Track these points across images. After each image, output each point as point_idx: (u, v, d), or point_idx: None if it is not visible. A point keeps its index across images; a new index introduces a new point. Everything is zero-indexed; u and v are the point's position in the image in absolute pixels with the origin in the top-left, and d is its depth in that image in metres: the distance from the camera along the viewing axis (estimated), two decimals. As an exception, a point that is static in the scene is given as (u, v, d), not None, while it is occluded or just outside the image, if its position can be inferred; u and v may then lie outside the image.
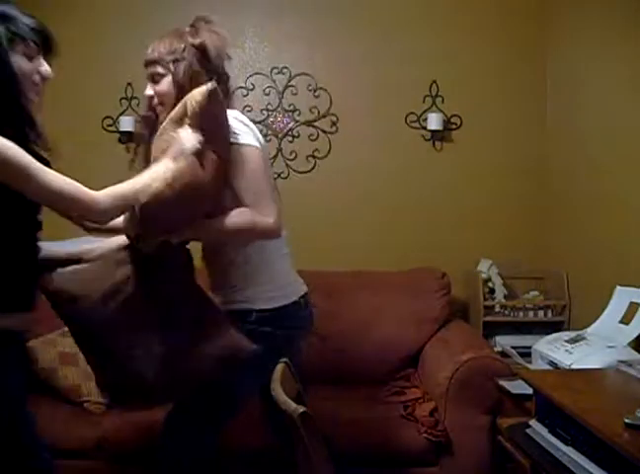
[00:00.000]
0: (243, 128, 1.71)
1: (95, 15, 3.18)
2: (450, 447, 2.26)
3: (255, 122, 3.19)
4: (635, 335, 2.13)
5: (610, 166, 2.60)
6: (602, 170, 2.66)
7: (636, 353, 2.08)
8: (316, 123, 3.22)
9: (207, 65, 1.75)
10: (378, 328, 2.79)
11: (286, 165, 3.21)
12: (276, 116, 3.22)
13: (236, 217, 1.66)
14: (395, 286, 2.90)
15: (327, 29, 3.21)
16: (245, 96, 3.20)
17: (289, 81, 3.21)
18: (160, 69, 1.74)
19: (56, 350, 2.49)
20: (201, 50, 1.74)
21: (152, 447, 2.15)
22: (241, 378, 1.73)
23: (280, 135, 3.22)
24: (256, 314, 1.75)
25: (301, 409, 1.25)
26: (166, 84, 1.75)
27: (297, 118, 3.22)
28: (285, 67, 3.21)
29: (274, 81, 3.21)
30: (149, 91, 1.78)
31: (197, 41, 1.74)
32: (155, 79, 1.76)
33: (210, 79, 1.68)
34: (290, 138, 3.22)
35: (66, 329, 2.61)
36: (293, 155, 3.22)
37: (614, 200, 2.57)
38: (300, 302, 1.86)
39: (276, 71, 3.21)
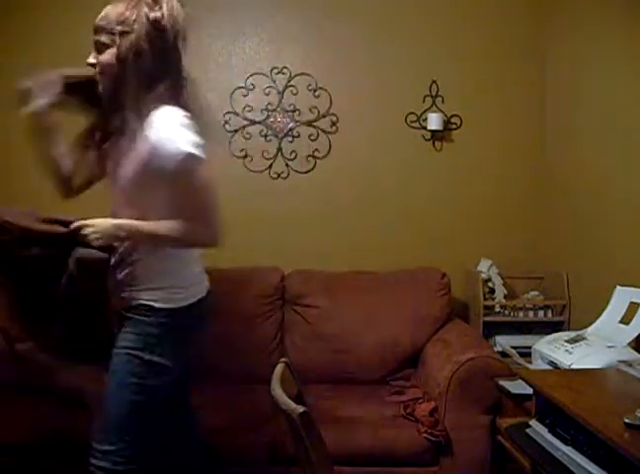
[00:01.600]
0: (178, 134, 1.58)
1: (95, 15, 3.17)
2: (450, 447, 2.26)
3: (255, 122, 3.25)
4: (635, 335, 2.13)
5: (610, 166, 2.60)
6: (603, 170, 2.66)
7: (636, 353, 2.08)
8: (316, 123, 3.22)
9: (158, 44, 1.59)
10: (378, 328, 2.79)
11: (286, 165, 3.21)
12: (276, 116, 3.22)
13: (171, 225, 1.63)
14: (395, 286, 2.91)
15: (327, 29, 3.21)
16: (245, 96, 3.20)
17: (289, 81, 3.21)
18: (105, 38, 1.61)
19: (56, 350, 2.48)
20: (156, 26, 1.58)
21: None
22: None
23: (280, 135, 3.22)
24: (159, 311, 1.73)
25: (301, 409, 1.25)
26: (109, 55, 1.61)
27: (297, 119, 3.22)
28: (285, 67, 3.21)
29: (274, 81, 3.21)
30: (91, 59, 1.66)
31: (152, 15, 1.58)
32: (98, 48, 1.63)
33: (155, 60, 1.57)
34: (290, 138, 3.22)
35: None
36: (293, 155, 3.22)
37: (614, 201, 2.57)
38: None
39: (276, 71, 3.21)
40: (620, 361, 1.91)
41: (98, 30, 1.63)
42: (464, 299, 3.14)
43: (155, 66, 1.60)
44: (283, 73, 3.21)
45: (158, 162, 1.58)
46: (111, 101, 1.65)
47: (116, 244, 1.70)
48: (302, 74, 3.20)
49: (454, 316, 2.94)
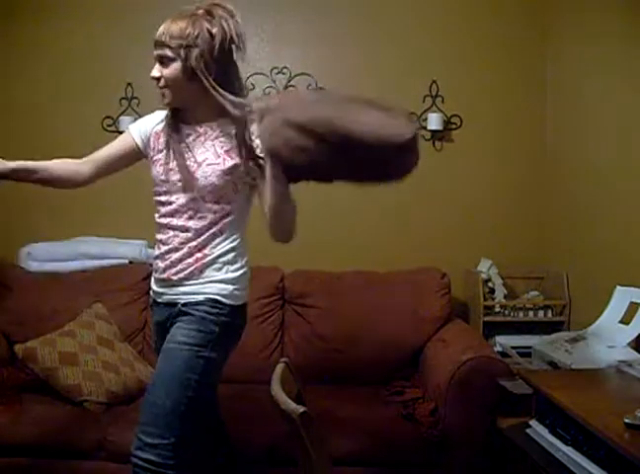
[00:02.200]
0: None
1: (95, 15, 3.18)
2: (450, 447, 2.26)
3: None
4: (635, 335, 2.13)
5: (611, 166, 2.60)
6: (603, 170, 2.66)
7: (636, 353, 2.08)
8: (316, 123, 3.22)
9: (220, 57, 1.69)
10: (378, 328, 2.79)
11: (286, 165, 3.21)
12: (276, 116, 3.21)
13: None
14: (395, 286, 2.90)
15: (327, 29, 3.21)
16: (245, 96, 3.19)
17: (289, 81, 3.21)
18: (169, 53, 1.68)
19: (56, 350, 2.49)
20: (217, 40, 1.67)
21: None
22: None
23: (280, 135, 3.21)
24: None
25: (301, 409, 1.25)
26: (174, 69, 1.69)
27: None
28: (285, 67, 3.21)
29: (274, 81, 3.21)
30: (156, 72, 1.71)
31: (213, 30, 1.67)
32: (163, 61, 1.70)
33: (219, 71, 1.68)
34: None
35: (66, 329, 2.62)
36: (293, 155, 3.21)
37: (614, 201, 2.57)
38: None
39: (276, 71, 3.21)
40: (620, 361, 1.91)
41: (160, 44, 1.70)
42: (464, 299, 3.14)
43: (220, 77, 1.70)
44: (283, 73, 3.21)
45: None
46: (180, 110, 1.79)
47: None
48: (302, 74, 3.20)
49: (454, 316, 2.94)
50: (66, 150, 3.10)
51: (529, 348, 2.45)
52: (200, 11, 1.70)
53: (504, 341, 2.84)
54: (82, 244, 3.06)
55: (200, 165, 1.75)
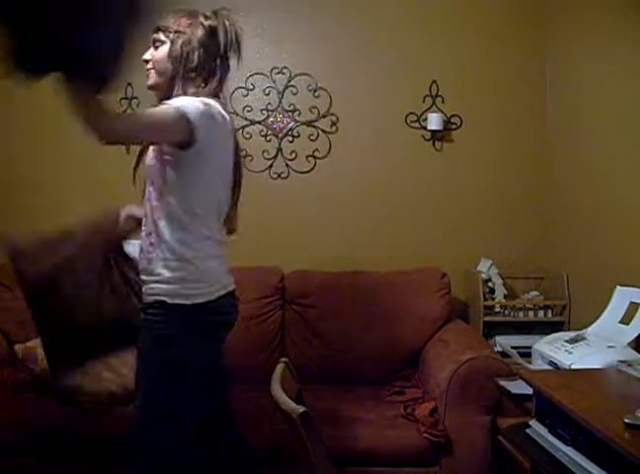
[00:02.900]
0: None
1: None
2: (450, 447, 2.26)
3: (255, 122, 3.25)
4: (635, 335, 2.13)
5: (611, 166, 2.60)
6: (603, 170, 2.66)
7: (636, 353, 2.08)
8: (316, 123, 3.22)
9: (208, 48, 1.74)
10: (378, 328, 2.79)
11: (286, 165, 3.21)
12: (276, 116, 3.22)
13: None
14: (395, 286, 2.90)
15: (327, 29, 3.21)
16: (245, 96, 3.20)
17: (289, 81, 3.21)
18: (162, 36, 1.75)
19: (56, 350, 2.48)
20: (209, 32, 1.74)
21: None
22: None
23: (279, 135, 3.22)
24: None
25: (301, 409, 1.25)
26: (162, 52, 1.75)
27: (297, 119, 3.22)
28: (285, 67, 3.21)
29: (274, 81, 3.21)
30: (147, 55, 1.78)
31: (207, 22, 1.75)
32: (155, 45, 1.77)
33: (202, 61, 1.71)
34: (290, 138, 3.22)
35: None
36: (293, 155, 3.22)
37: (614, 201, 2.57)
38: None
39: (276, 71, 3.21)
40: (620, 361, 1.91)
41: (157, 29, 1.77)
42: (464, 299, 3.14)
43: (201, 67, 1.74)
44: (283, 73, 3.21)
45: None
46: (159, 94, 1.79)
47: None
48: (302, 74, 3.21)
49: (454, 316, 2.94)
50: (67, 149, 3.13)
51: (529, 348, 2.45)
52: (207, 11, 1.78)
53: (504, 341, 2.84)
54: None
55: (150, 148, 1.76)
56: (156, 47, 1.77)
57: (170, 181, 1.69)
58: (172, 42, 1.74)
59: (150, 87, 1.81)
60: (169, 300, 1.67)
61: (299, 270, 3.01)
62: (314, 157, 3.23)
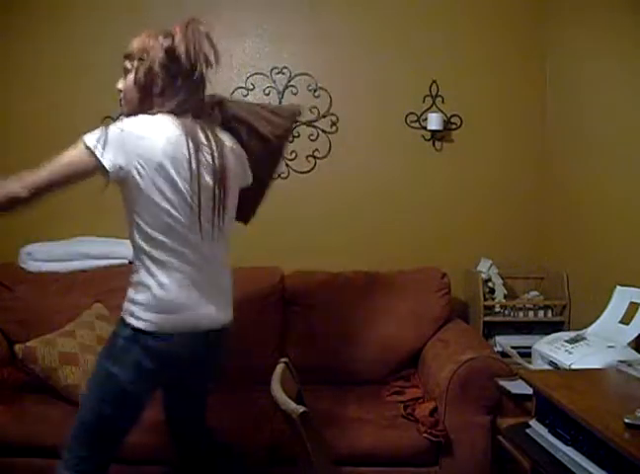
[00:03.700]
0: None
1: (95, 14, 3.18)
2: (450, 447, 2.26)
3: (255, 122, 3.23)
4: (635, 335, 2.13)
5: (611, 166, 2.60)
6: (603, 170, 2.66)
7: (636, 353, 2.08)
8: (316, 123, 3.22)
9: (173, 69, 1.71)
10: (378, 328, 2.79)
11: (286, 165, 3.21)
12: (276, 116, 3.21)
13: None
14: (395, 286, 2.90)
15: (327, 29, 3.21)
16: (245, 96, 3.20)
17: (289, 81, 3.21)
18: (128, 64, 1.75)
19: (56, 350, 2.48)
20: (169, 53, 1.71)
21: (152, 447, 2.16)
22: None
23: (279, 135, 3.21)
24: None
25: (301, 409, 1.25)
26: (129, 80, 1.75)
27: (297, 119, 3.21)
28: (285, 67, 3.21)
29: (274, 81, 3.21)
30: (119, 84, 1.79)
31: (165, 43, 1.71)
32: (125, 73, 1.77)
33: (166, 83, 1.70)
34: (290, 138, 3.22)
35: (66, 329, 2.62)
36: (293, 155, 3.22)
37: (615, 200, 2.57)
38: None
39: (276, 71, 3.21)
40: (620, 361, 1.91)
41: (124, 56, 1.77)
42: (464, 299, 3.14)
43: (167, 89, 1.72)
44: (283, 73, 3.21)
45: None
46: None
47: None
48: (302, 74, 3.20)
49: (454, 316, 2.94)
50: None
51: (529, 348, 2.45)
52: (175, 28, 1.73)
53: (504, 341, 2.84)
54: (82, 244, 3.06)
55: None
56: (125, 76, 1.77)
57: (126, 207, 1.74)
58: (136, 71, 1.72)
59: (123, 115, 1.78)
60: (126, 318, 1.72)
61: (299, 270, 3.01)
62: (314, 157, 3.23)
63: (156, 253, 1.69)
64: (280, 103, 3.21)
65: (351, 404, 2.48)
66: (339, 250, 3.17)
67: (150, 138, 1.64)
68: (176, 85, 1.72)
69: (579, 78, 2.89)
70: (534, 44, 3.19)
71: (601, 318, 2.30)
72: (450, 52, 3.19)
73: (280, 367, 1.51)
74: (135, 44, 1.75)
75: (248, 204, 2.05)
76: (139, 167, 1.62)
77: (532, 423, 1.80)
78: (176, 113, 1.71)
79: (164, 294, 1.69)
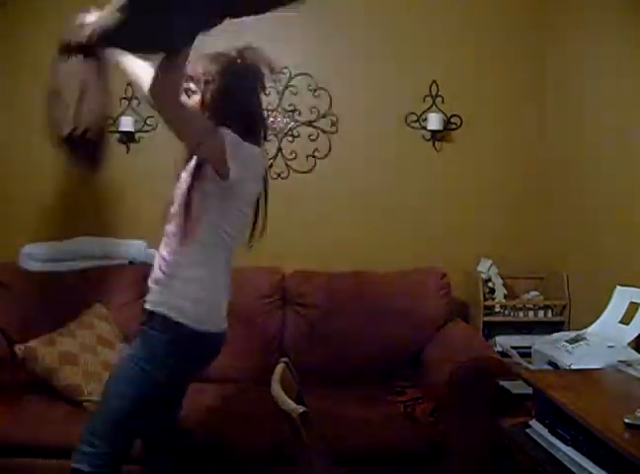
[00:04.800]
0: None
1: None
2: (450, 447, 2.25)
3: (255, 122, 3.23)
4: (635, 335, 2.13)
5: (611, 166, 2.60)
6: (603, 170, 2.66)
7: (636, 353, 2.08)
8: (316, 123, 3.22)
9: (236, 91, 1.82)
10: (378, 328, 2.79)
11: (286, 165, 3.21)
12: (276, 116, 3.22)
13: None
14: (395, 286, 2.90)
15: (327, 29, 3.21)
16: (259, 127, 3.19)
17: (289, 81, 3.21)
18: (192, 86, 1.82)
19: (56, 350, 2.48)
20: (237, 77, 1.83)
21: (151, 447, 2.15)
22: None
23: (279, 135, 3.22)
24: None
25: (301, 409, 1.25)
26: (194, 101, 1.81)
27: (297, 118, 3.22)
28: (285, 67, 3.21)
29: (274, 81, 3.21)
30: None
31: (233, 68, 1.83)
32: (188, 94, 1.82)
33: (233, 106, 1.79)
34: (290, 138, 3.22)
35: (66, 329, 2.62)
36: (293, 155, 3.22)
37: (614, 201, 2.57)
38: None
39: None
40: (620, 361, 1.91)
41: (188, 78, 1.81)
42: (464, 299, 3.14)
43: (233, 110, 1.81)
44: (283, 73, 3.21)
45: None
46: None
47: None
48: (302, 74, 3.20)
49: (454, 316, 2.94)
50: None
51: (529, 348, 2.45)
52: (232, 52, 1.86)
53: (504, 341, 2.84)
54: (82, 244, 3.06)
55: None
56: (189, 96, 1.82)
57: (206, 206, 1.74)
58: (203, 93, 1.80)
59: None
60: (171, 315, 1.72)
61: (299, 270, 3.01)
62: (314, 157, 3.23)
63: (214, 252, 1.78)
64: (279, 103, 3.21)
65: (351, 404, 2.48)
66: (339, 250, 3.17)
67: (257, 156, 1.86)
68: (242, 106, 1.85)
69: (579, 78, 2.89)
70: (534, 45, 3.19)
71: (601, 318, 2.30)
72: (450, 52, 3.19)
73: (279, 367, 1.51)
74: (200, 66, 1.82)
75: None
76: (244, 178, 1.77)
77: (532, 423, 1.80)
78: (250, 132, 1.83)
79: (211, 293, 1.79)
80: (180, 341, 1.73)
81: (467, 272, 3.11)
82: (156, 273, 1.80)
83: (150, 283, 1.82)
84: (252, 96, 1.88)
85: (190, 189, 1.74)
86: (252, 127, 1.84)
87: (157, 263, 1.81)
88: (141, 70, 1.90)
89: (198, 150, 1.70)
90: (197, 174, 1.74)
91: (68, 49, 1.69)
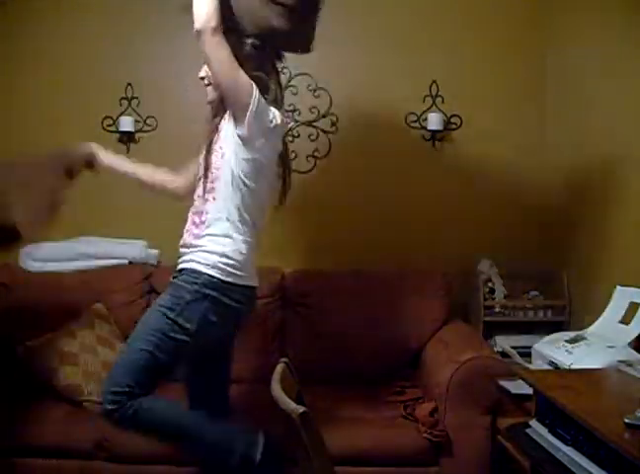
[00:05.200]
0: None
1: (95, 15, 3.18)
2: (450, 447, 2.25)
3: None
4: (635, 335, 2.13)
5: (611, 167, 2.60)
6: (603, 170, 2.66)
7: (636, 353, 2.08)
8: (316, 123, 3.22)
9: (256, 60, 1.95)
10: (378, 328, 2.79)
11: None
12: (276, 116, 3.21)
13: None
14: (395, 286, 2.90)
15: (326, 29, 3.19)
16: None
17: (289, 81, 3.21)
18: None
19: (56, 350, 2.49)
20: (255, 47, 1.96)
21: (151, 447, 2.15)
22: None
23: (279, 135, 3.21)
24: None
25: (301, 409, 1.25)
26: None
27: (297, 118, 3.22)
28: (285, 67, 3.20)
29: (274, 81, 3.20)
30: (202, 72, 2.00)
31: (249, 40, 1.96)
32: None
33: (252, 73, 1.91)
34: (290, 138, 3.22)
35: (66, 329, 2.62)
36: (293, 155, 3.21)
37: (615, 201, 2.57)
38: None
39: (275, 71, 3.21)
40: (620, 361, 1.91)
41: None
42: (464, 299, 3.14)
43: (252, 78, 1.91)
44: (283, 73, 3.20)
45: None
46: (219, 104, 2.00)
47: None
48: (302, 74, 3.20)
49: (454, 316, 2.94)
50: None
51: (529, 348, 2.45)
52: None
53: (504, 341, 2.84)
54: (82, 244, 3.06)
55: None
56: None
57: (224, 163, 1.91)
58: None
59: (210, 102, 2.02)
60: (204, 269, 1.86)
61: (299, 270, 3.01)
62: (314, 157, 3.23)
63: (236, 210, 1.93)
64: (279, 103, 3.21)
65: (351, 404, 2.48)
66: (339, 250, 3.16)
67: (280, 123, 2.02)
68: (261, 75, 1.99)
69: (579, 78, 2.89)
70: (534, 45, 3.19)
71: (601, 318, 2.30)
72: (450, 52, 3.19)
73: (280, 367, 1.51)
74: None
75: None
76: (267, 144, 1.97)
77: (532, 423, 1.80)
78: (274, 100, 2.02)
79: (238, 247, 1.92)
80: (207, 289, 1.85)
81: (467, 272, 3.11)
82: (184, 237, 1.96)
83: (180, 249, 1.97)
84: (274, 67, 2.07)
85: (208, 150, 1.91)
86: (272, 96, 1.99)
87: (186, 228, 1.97)
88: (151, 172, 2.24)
89: (226, 82, 1.86)
90: (214, 137, 1.91)
91: None
